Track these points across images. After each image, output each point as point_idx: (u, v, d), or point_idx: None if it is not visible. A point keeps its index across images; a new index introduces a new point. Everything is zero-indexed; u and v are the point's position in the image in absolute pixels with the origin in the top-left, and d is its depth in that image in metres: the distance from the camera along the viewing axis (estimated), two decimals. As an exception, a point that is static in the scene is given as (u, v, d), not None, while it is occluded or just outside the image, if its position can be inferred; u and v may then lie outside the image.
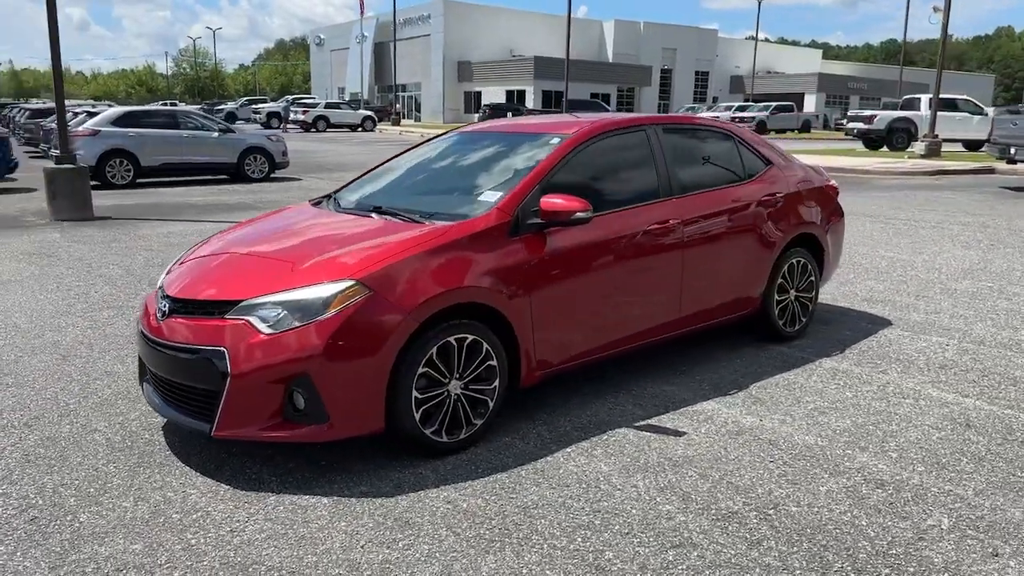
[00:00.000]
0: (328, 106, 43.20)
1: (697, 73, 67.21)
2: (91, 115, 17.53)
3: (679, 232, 4.46)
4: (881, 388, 4.50)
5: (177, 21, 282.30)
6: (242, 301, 3.35)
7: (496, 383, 3.72)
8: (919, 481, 3.37)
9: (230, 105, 56.04)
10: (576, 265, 4.00)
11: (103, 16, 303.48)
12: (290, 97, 53.29)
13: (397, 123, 47.77)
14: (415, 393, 3.42)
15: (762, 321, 5.27)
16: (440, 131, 4.29)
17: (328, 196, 4.73)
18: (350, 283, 3.32)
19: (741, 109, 43.40)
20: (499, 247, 3.71)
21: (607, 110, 40.27)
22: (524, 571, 2.71)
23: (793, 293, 5.33)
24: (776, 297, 5.21)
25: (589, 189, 4.28)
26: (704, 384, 4.54)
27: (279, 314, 3.28)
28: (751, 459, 3.58)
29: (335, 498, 3.22)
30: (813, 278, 5.46)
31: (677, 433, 3.87)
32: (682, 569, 2.74)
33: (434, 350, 3.45)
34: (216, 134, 17.46)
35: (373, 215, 4.11)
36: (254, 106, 48.41)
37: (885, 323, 5.90)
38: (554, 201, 3.80)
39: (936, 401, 4.31)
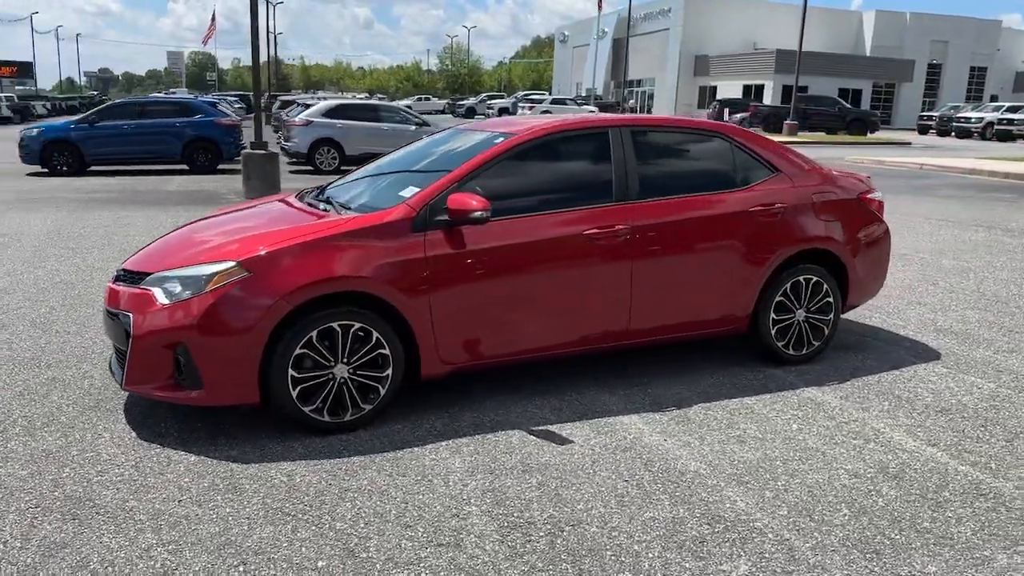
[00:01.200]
0: (554, 102, 44.27)
1: (973, 69, 60.30)
2: (307, 107, 19.59)
3: (628, 239, 4.32)
4: (839, 426, 4.08)
5: (449, 19, 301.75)
6: (152, 274, 3.84)
7: (389, 372, 3.91)
8: (762, 525, 3.10)
9: (471, 100, 59.26)
10: (495, 265, 4.05)
11: (384, 14, 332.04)
12: (520, 93, 55.22)
13: (624, 119, 47.72)
14: (291, 372, 3.71)
15: (756, 341, 4.93)
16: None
17: (318, 188, 5.12)
18: (231, 264, 3.68)
19: (1012, 110, 38.36)
20: (398, 241, 3.88)
21: (842, 107, 37.38)
22: (286, 544, 2.92)
23: (801, 314, 4.91)
24: (773, 316, 4.84)
25: (526, 191, 4.32)
26: (647, 398, 4.39)
27: (177, 288, 3.72)
28: (606, 476, 3.48)
29: (202, 457, 3.60)
30: (831, 300, 4.98)
31: (562, 442, 3.82)
32: (439, 565, 2.79)
33: (314, 333, 3.71)
34: (413, 128, 18.71)
35: (320, 207, 4.43)
36: (489, 101, 50.85)
37: (932, 356, 5.24)
38: (458, 199, 3.89)
39: (889, 447, 3.84)
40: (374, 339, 3.84)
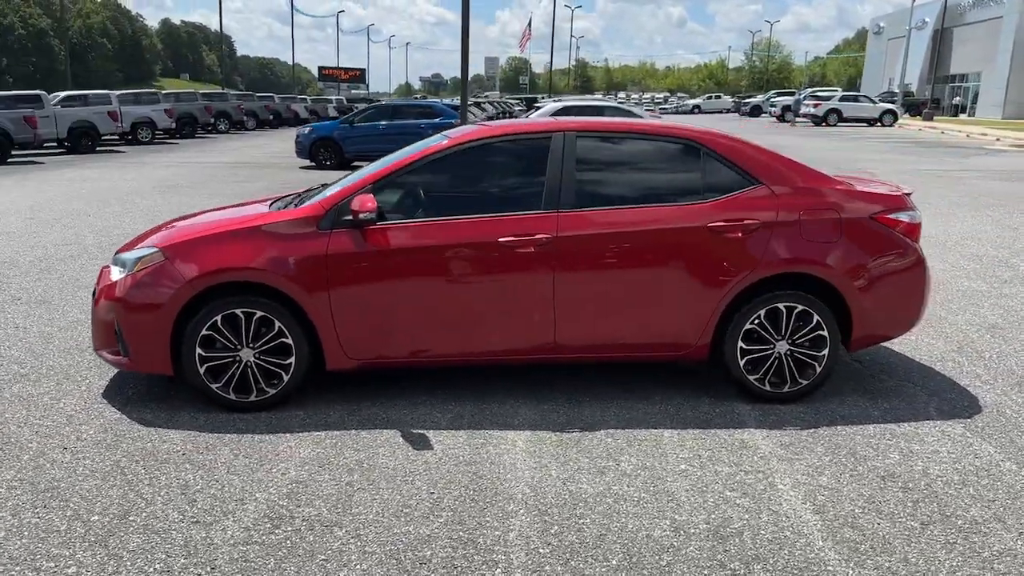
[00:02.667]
0: (843, 99, 40.95)
1: None
2: (536, 109, 20.34)
3: (550, 249, 4.17)
4: (732, 475, 3.60)
5: (767, 13, 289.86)
6: (118, 254, 4.49)
7: (291, 360, 4.20)
8: (505, 558, 2.93)
9: (758, 98, 56.74)
10: (400, 268, 4.15)
11: (698, 12, 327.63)
12: (808, 89, 51.68)
13: (929, 118, 42.76)
14: (199, 350, 4.15)
15: (725, 373, 4.46)
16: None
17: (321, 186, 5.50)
18: (152, 250, 4.21)
19: None
20: (304, 238, 4.15)
21: None
22: (97, 495, 3.35)
23: (783, 346, 4.35)
24: (742, 345, 4.34)
25: (449, 195, 4.36)
26: (561, 416, 4.21)
27: (119, 268, 4.33)
28: (417, 485, 3.46)
29: (121, 415, 4.18)
30: (824, 332, 4.34)
31: (422, 447, 3.83)
32: (191, 537, 3.06)
33: (219, 317, 4.12)
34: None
35: (283, 204, 4.80)
36: (773, 99, 48.40)
37: (963, 414, 4.34)
38: (357, 201, 4.07)
39: (760, 506, 3.34)
40: (276, 328, 4.15)
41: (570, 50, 58.40)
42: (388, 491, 3.40)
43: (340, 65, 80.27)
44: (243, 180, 15.83)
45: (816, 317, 4.31)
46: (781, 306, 4.30)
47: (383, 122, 19.85)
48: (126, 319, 4.18)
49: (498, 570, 2.84)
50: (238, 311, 4.12)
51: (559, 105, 19.87)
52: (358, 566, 2.85)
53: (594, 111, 19.44)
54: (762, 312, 4.30)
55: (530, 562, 2.89)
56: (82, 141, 23.80)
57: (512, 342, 4.29)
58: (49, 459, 3.66)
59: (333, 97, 53.34)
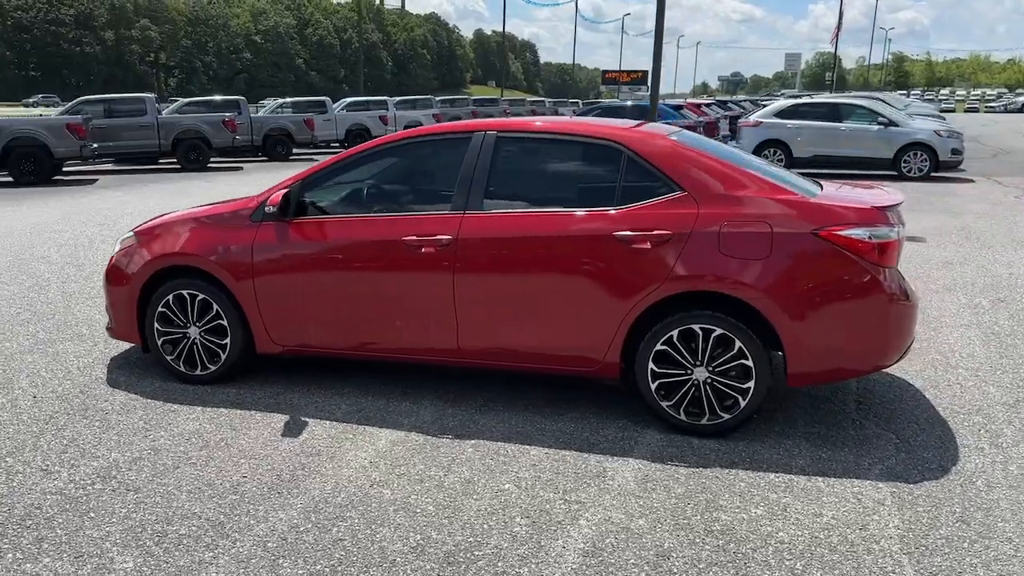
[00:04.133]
0: None
1: None
2: (763, 107, 19.15)
3: (451, 251, 4.12)
4: (559, 500, 3.35)
5: None
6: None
7: (227, 341, 4.61)
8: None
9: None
10: (314, 261, 4.36)
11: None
12: None
13: None
14: (156, 325, 4.70)
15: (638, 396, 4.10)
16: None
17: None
18: (130, 233, 4.82)
19: None
20: (238, 229, 4.51)
21: None
22: (49, 435, 4.00)
23: (702, 373, 3.89)
24: (652, 368, 3.96)
25: (371, 192, 4.50)
26: (452, 421, 4.15)
27: (116, 246, 5.00)
28: (214, 465, 3.66)
29: (101, 376, 4.87)
30: (747, 362, 3.82)
31: (276, 434, 4.02)
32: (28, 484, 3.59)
33: (170, 297, 4.64)
34: (876, 128, 16.96)
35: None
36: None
37: (920, 470, 3.58)
38: (272, 196, 4.36)
39: (543, 532, 3.09)
40: (214, 310, 4.57)
41: (877, 43, 53.11)
42: (210, 469, 3.62)
43: (625, 68, 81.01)
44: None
45: (738, 344, 3.79)
46: (697, 328, 3.84)
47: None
48: (108, 292, 4.83)
49: (217, 551, 2.94)
50: (184, 292, 4.58)
51: (786, 103, 18.57)
52: (123, 520, 3.11)
53: (828, 110, 17.88)
54: (675, 333, 3.87)
55: (246, 551, 2.96)
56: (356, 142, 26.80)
57: (420, 342, 4.29)
58: (23, 397, 4.37)
59: (601, 100, 54.12)
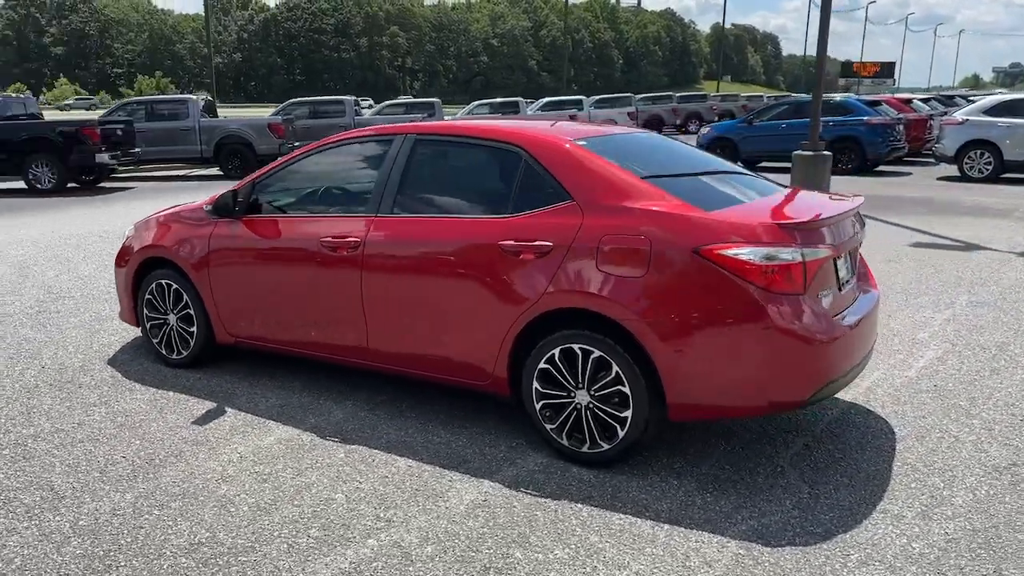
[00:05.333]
0: None
1: None
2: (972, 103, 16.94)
3: (359, 254, 4.13)
4: (335, 512, 3.27)
5: None
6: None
7: (194, 329, 4.95)
8: None
9: None
10: (250, 259, 4.54)
11: None
12: None
13: None
14: (145, 311, 5.15)
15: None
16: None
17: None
18: (131, 227, 5.30)
19: None
20: (200, 225, 4.79)
21: None
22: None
23: (584, 397, 3.59)
24: (537, 387, 3.72)
25: (311, 193, 4.61)
26: (353, 424, 4.15)
27: None
28: (116, 443, 3.92)
29: (107, 355, 5.41)
30: (624, 389, 3.48)
31: (188, 421, 4.23)
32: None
33: (153, 285, 5.05)
34: (1106, 126, 14.52)
35: None
36: None
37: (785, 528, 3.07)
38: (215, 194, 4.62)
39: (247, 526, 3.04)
40: (184, 300, 4.92)
41: None
42: (105, 447, 3.91)
43: (867, 60, 75.03)
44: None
45: (615, 368, 3.45)
46: (577, 348, 3.55)
47: (785, 121, 18.65)
48: (116, 278, 5.34)
49: (32, 523, 3.19)
50: (163, 282, 4.96)
51: (995, 100, 16.29)
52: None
53: (1040, 107, 15.47)
54: (556, 352, 3.60)
55: (53, 527, 3.17)
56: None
57: (338, 343, 4.33)
58: (31, 367, 4.98)
59: (789, 94, 50.58)
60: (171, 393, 4.60)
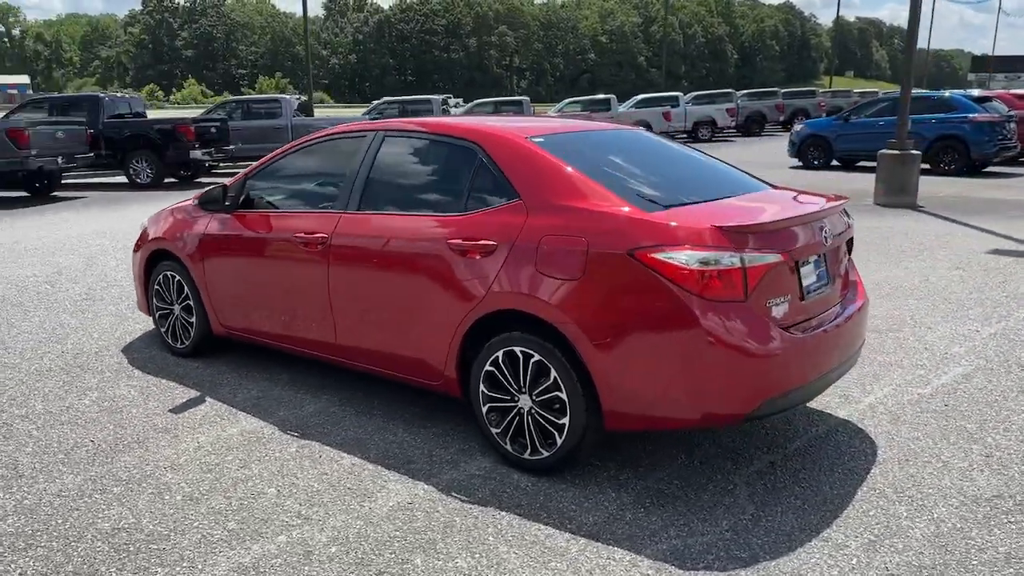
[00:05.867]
0: None
1: None
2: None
3: (326, 250, 4.14)
4: (246, 493, 3.29)
5: None
6: None
7: (194, 319, 5.11)
8: None
9: None
10: (237, 251, 4.64)
11: None
12: None
13: None
14: (154, 301, 5.36)
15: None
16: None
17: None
18: (144, 220, 5.52)
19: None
20: (197, 218, 4.94)
21: None
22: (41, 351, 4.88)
23: (526, 401, 3.49)
24: (483, 390, 3.64)
25: (294, 188, 4.67)
26: (321, 418, 4.19)
27: None
28: (90, 424, 4.07)
29: (129, 339, 5.66)
30: (562, 395, 3.35)
31: (164, 408, 4.36)
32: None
33: (160, 276, 5.25)
34: None
35: None
36: None
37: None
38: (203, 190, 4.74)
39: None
40: (185, 291, 5.08)
41: None
42: (80, 430, 4.07)
43: (998, 53, 70.30)
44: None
45: (553, 373, 3.34)
46: (518, 351, 3.45)
47: (883, 119, 17.64)
48: (131, 268, 5.58)
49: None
50: (168, 273, 5.15)
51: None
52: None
53: None
54: (500, 354, 3.51)
55: (-6, 503, 3.33)
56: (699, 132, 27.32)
57: (312, 337, 4.36)
58: (52, 351, 5.26)
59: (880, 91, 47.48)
60: (163, 381, 4.75)
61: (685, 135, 29.63)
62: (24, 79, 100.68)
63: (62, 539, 3.05)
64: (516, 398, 3.48)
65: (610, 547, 2.94)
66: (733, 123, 30.92)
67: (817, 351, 3.30)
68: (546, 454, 3.42)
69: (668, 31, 67.98)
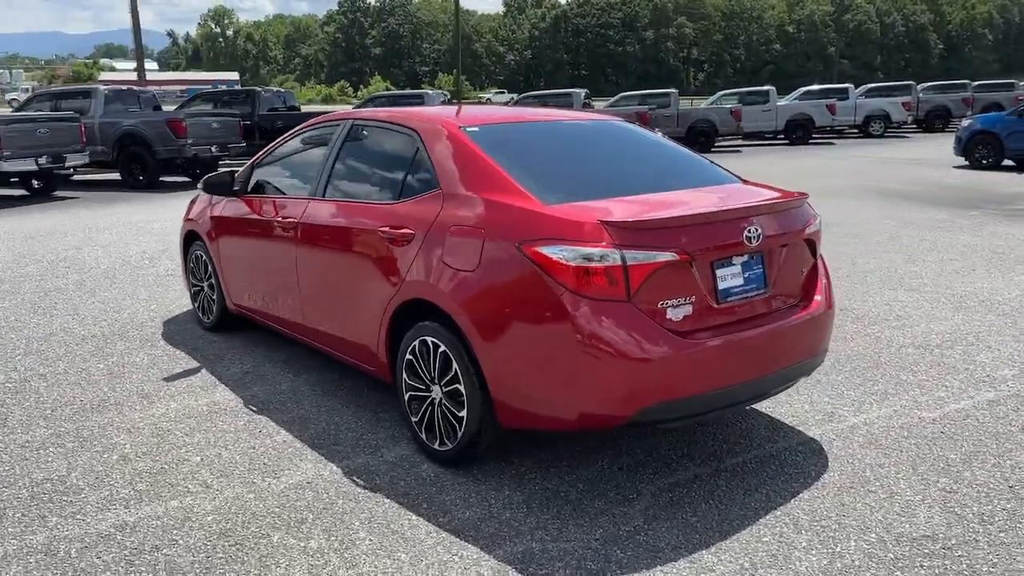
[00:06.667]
0: None
1: None
2: None
3: (295, 235, 4.29)
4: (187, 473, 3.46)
5: None
6: None
7: (215, 295, 5.46)
8: (-23, 441, 3.87)
9: None
10: (234, 232, 4.93)
11: None
12: None
13: None
14: (190, 279, 5.77)
15: (408, 405, 3.80)
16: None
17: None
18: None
19: None
20: (214, 202, 5.25)
21: None
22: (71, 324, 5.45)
23: (437, 392, 3.47)
24: (406, 379, 3.64)
25: (288, 174, 4.87)
26: (262, 399, 4.38)
27: None
28: (79, 381, 4.46)
29: (172, 315, 6.13)
30: (460, 386, 3.31)
31: (149, 401, 4.70)
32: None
33: (192, 256, 5.63)
34: None
35: None
36: None
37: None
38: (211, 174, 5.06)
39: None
40: (210, 270, 5.45)
41: None
42: (69, 389, 4.47)
43: None
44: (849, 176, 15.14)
45: (454, 365, 3.31)
46: (429, 341, 3.44)
47: (1061, 112, 15.73)
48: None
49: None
50: (198, 252, 5.53)
51: None
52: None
53: None
54: (416, 343, 3.52)
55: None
56: (797, 133, 25.40)
57: (291, 319, 4.54)
58: (105, 320, 5.81)
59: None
60: (177, 351, 5.11)
61: (855, 130, 27.77)
62: (234, 75, 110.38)
63: (-3, 485, 3.36)
64: (430, 388, 3.45)
65: (465, 544, 2.86)
66: (910, 117, 28.53)
67: (728, 359, 3.04)
68: (450, 445, 3.38)
69: (864, 19, 63.45)
